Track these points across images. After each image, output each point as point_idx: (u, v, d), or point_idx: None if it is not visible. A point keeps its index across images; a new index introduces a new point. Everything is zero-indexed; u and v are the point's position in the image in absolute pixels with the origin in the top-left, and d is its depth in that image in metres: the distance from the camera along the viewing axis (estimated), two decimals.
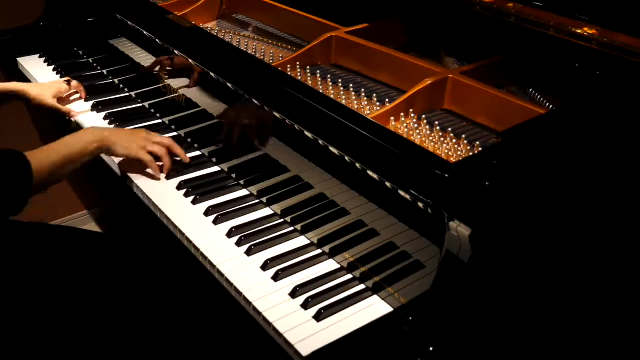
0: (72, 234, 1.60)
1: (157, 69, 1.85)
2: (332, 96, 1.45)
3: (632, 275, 1.13)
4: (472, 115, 1.37)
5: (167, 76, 1.80)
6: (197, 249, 1.32)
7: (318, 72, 1.56)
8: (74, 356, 1.34)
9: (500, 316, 1.02)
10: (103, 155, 1.65)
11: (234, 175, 1.54)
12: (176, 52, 1.66)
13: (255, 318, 1.18)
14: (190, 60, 1.63)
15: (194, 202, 1.45)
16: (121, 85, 2.00)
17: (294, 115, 1.32)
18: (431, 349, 0.97)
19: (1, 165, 1.31)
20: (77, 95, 1.92)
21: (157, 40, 1.73)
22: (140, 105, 1.90)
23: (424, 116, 1.37)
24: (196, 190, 1.48)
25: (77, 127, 1.79)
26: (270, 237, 1.34)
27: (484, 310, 1.01)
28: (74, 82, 1.89)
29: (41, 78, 2.02)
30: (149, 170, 1.54)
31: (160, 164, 1.55)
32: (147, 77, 1.92)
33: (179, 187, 1.51)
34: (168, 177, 1.54)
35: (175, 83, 1.77)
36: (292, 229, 1.38)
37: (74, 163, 1.44)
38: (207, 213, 1.42)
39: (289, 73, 1.53)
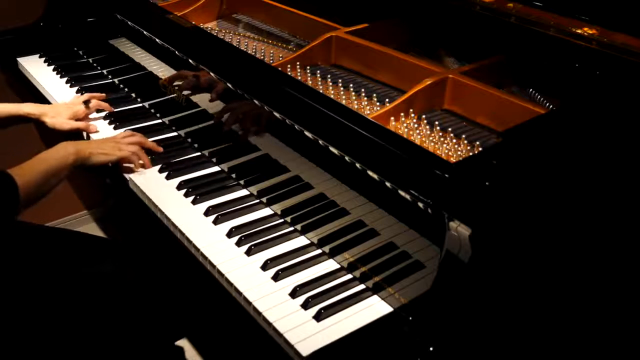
0: (69, 237, 1.60)
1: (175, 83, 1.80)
2: (332, 96, 1.45)
3: (632, 275, 1.13)
4: (472, 115, 1.37)
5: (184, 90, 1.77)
6: (197, 249, 1.32)
7: (318, 72, 1.56)
8: (73, 358, 1.34)
9: (500, 316, 1.02)
10: None
11: (234, 175, 1.54)
12: (176, 52, 1.66)
13: (255, 318, 1.18)
14: (190, 60, 1.63)
15: (194, 202, 1.45)
16: (121, 85, 2.00)
17: (294, 115, 1.32)
18: (431, 349, 0.97)
19: None
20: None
21: (157, 40, 1.73)
22: (140, 105, 1.90)
23: (424, 116, 1.37)
24: (196, 190, 1.48)
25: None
26: (270, 237, 1.34)
27: (484, 310, 1.01)
28: (93, 102, 1.79)
29: (41, 78, 2.02)
30: (130, 166, 1.56)
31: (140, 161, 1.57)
32: (147, 77, 1.92)
33: (179, 187, 1.50)
34: (168, 177, 1.54)
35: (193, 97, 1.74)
36: (292, 229, 1.38)
37: (55, 177, 1.44)
38: (207, 213, 1.41)
39: (289, 73, 1.53)
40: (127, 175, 1.55)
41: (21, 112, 1.73)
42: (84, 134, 1.76)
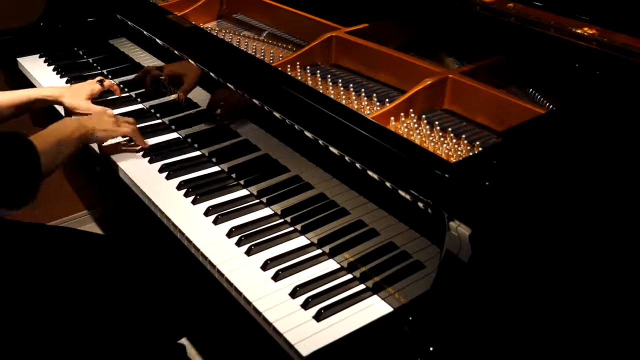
0: (71, 235, 1.60)
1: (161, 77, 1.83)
2: (332, 96, 1.45)
3: (632, 275, 1.13)
4: (472, 115, 1.37)
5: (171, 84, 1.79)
6: (197, 249, 1.32)
7: (318, 72, 1.56)
8: (73, 357, 1.34)
9: (500, 316, 1.02)
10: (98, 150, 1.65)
11: (234, 175, 1.54)
12: (176, 52, 1.66)
13: (255, 318, 1.18)
14: (190, 61, 1.63)
15: (194, 202, 1.45)
16: (121, 86, 2.00)
17: (294, 115, 1.32)
18: (431, 349, 0.97)
19: (11, 152, 1.30)
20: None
21: (157, 40, 1.73)
22: (141, 105, 1.90)
23: (424, 116, 1.37)
24: (196, 190, 1.48)
25: None
26: (270, 237, 1.34)
27: (484, 310, 1.01)
28: (107, 82, 1.84)
29: (41, 78, 2.02)
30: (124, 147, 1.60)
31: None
32: (147, 77, 1.92)
33: (179, 187, 1.51)
34: (168, 177, 1.54)
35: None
36: (292, 229, 1.38)
37: (66, 149, 1.44)
38: (207, 213, 1.42)
39: (289, 73, 1.53)
40: (126, 175, 1.55)
41: (38, 95, 1.73)
42: None
